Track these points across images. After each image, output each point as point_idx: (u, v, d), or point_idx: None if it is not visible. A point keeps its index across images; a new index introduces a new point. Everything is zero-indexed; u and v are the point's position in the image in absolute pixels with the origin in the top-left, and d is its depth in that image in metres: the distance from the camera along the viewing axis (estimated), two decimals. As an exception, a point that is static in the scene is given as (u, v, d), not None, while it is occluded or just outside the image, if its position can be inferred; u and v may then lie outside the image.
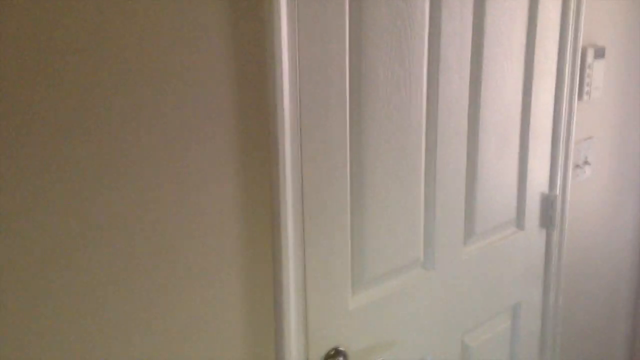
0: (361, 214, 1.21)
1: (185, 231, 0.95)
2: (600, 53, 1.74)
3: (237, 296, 1.04)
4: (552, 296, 1.75)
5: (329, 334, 1.20)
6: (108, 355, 0.90)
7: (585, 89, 1.71)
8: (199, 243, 0.97)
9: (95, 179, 0.84)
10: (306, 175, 1.09)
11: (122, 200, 0.88)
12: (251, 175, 1.02)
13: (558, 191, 1.68)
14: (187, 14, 0.89)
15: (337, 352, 1.21)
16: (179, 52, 0.89)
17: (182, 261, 0.96)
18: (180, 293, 0.96)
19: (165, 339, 0.96)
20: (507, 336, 1.67)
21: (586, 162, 1.80)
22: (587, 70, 1.70)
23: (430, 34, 1.26)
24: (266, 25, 0.98)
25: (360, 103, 1.16)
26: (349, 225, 1.19)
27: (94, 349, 0.88)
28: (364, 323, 1.26)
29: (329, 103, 1.10)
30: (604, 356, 2.18)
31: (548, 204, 1.68)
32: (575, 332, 1.99)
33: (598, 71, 1.74)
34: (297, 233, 1.09)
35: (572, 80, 1.63)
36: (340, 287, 1.20)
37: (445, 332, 1.46)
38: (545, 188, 1.67)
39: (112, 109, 0.84)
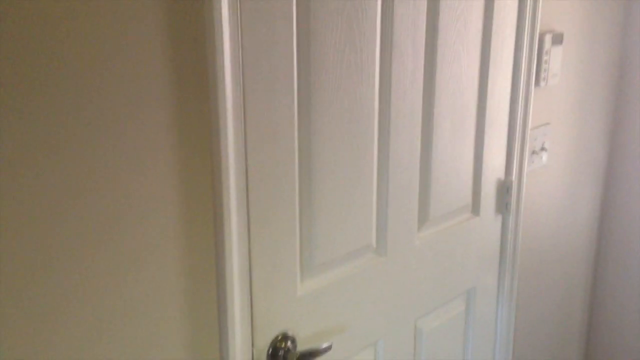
0: (310, 199, 1.20)
1: (123, 216, 0.93)
2: (558, 39, 1.74)
3: (179, 282, 1.02)
4: (507, 281, 1.77)
5: (277, 320, 1.19)
6: (46, 344, 0.87)
7: (543, 75, 1.71)
8: (138, 229, 0.95)
9: (29, 169, 0.81)
10: (251, 159, 1.07)
11: (57, 187, 0.85)
12: (193, 160, 0.99)
13: (514, 177, 1.69)
14: (121, -9, 0.86)
15: (284, 337, 1.20)
16: (110, 33, 0.86)
17: (119, 246, 0.93)
18: (119, 280, 0.94)
19: (104, 325, 0.94)
20: (461, 321, 1.68)
21: (543, 149, 1.81)
22: (545, 57, 1.70)
23: (382, 17, 1.24)
24: (205, 6, 0.95)
25: (309, 87, 1.14)
26: (298, 210, 1.18)
27: (29, 337, 0.86)
28: (313, 309, 1.25)
29: (275, 86, 1.08)
30: (559, 341, 2.21)
31: (504, 190, 1.69)
32: (531, 318, 2.01)
33: (556, 57, 1.74)
34: (242, 218, 1.07)
35: (529, 66, 1.63)
36: (288, 273, 1.19)
37: (397, 317, 1.46)
38: (501, 174, 1.67)
39: (42, 97, 0.81)
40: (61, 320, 0.89)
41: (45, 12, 0.80)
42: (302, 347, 1.24)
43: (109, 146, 0.89)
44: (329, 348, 1.23)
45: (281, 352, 1.19)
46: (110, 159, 0.90)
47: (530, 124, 1.69)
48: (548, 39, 1.70)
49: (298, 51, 1.11)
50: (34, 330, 0.87)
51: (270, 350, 1.19)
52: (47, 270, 0.86)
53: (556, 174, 1.94)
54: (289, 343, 1.20)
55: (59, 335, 0.89)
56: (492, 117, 1.58)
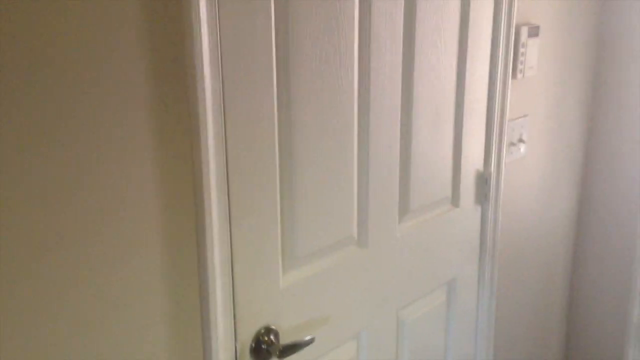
0: (291, 191, 1.20)
1: (105, 209, 0.92)
2: (534, 32, 1.76)
3: (161, 276, 1.01)
4: (487, 272, 1.79)
5: (259, 312, 1.19)
6: (26, 338, 0.87)
7: (519, 67, 1.73)
8: (119, 222, 0.94)
9: (9, 162, 0.81)
10: (231, 151, 1.07)
11: (38, 182, 0.84)
12: (173, 153, 0.99)
13: (492, 168, 1.71)
14: (97, -16, 0.85)
15: (268, 330, 1.20)
16: (87, 27, 0.85)
17: (100, 239, 0.93)
18: (100, 273, 0.94)
19: (84, 319, 0.93)
20: (443, 311, 1.70)
21: (521, 140, 1.83)
22: (521, 49, 1.72)
23: (360, 9, 1.25)
24: (183, 1, 0.95)
25: (288, 79, 1.14)
26: (279, 203, 1.18)
27: (11, 333, 0.85)
28: (296, 301, 1.25)
29: (255, 79, 1.08)
30: (540, 330, 2.25)
31: (483, 181, 1.71)
32: (511, 307, 2.04)
33: (532, 50, 1.76)
34: (223, 211, 1.07)
35: (506, 58, 1.65)
36: (270, 266, 1.19)
37: (380, 308, 1.47)
38: (480, 165, 1.69)
39: (24, 93, 0.80)
40: (44, 314, 0.88)
41: (26, 13, 0.79)
42: (285, 339, 1.24)
43: (89, 144, 0.88)
44: (311, 340, 1.24)
45: (264, 346, 1.19)
46: (91, 156, 0.89)
47: (508, 116, 1.71)
48: (524, 31, 1.72)
49: (277, 43, 1.11)
50: (14, 327, 0.86)
51: (253, 343, 1.19)
52: (29, 267, 0.86)
53: (534, 165, 1.96)
54: (272, 336, 1.21)
55: (41, 330, 0.88)
56: (470, 109, 1.59)
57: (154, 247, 1.00)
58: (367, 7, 1.25)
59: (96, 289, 0.94)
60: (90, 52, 0.86)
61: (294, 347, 1.21)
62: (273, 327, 1.21)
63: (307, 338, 1.23)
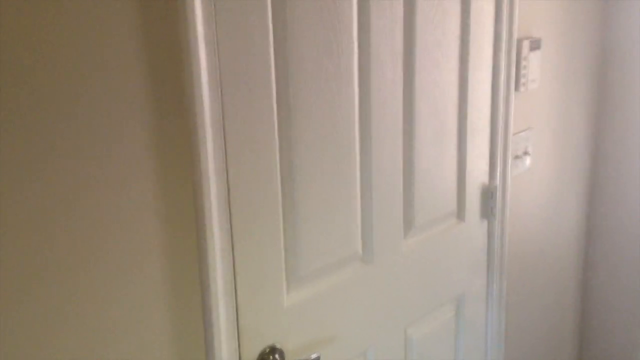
0: (294, 209, 1.20)
1: (105, 230, 0.93)
2: (536, 45, 1.76)
3: (164, 299, 1.01)
4: (495, 286, 1.77)
5: (264, 332, 1.18)
6: (26, 356, 0.87)
7: (522, 80, 1.73)
8: (119, 242, 0.95)
9: (10, 179, 0.81)
10: (232, 171, 1.08)
11: (38, 200, 0.85)
12: (173, 172, 1.00)
13: (498, 182, 1.70)
14: (96, 11, 0.86)
15: (272, 350, 1.20)
16: (88, 49, 0.86)
17: (102, 261, 0.93)
18: (102, 295, 0.94)
19: (88, 342, 0.93)
20: (451, 327, 1.68)
21: (526, 153, 1.82)
22: (523, 62, 1.72)
23: (359, 27, 1.26)
24: (180, 22, 0.96)
25: (289, 97, 1.15)
26: (281, 222, 1.18)
27: (12, 350, 0.85)
28: (301, 320, 1.25)
29: (254, 98, 1.08)
30: (552, 345, 2.22)
31: (488, 194, 1.70)
32: (522, 322, 2.02)
33: (534, 62, 1.76)
34: (224, 231, 1.07)
35: (509, 72, 1.65)
36: (274, 284, 1.19)
37: (387, 326, 1.46)
38: (485, 179, 1.68)
39: (25, 110, 0.81)
40: (40, 342, 0.88)
41: (25, 39, 0.80)
42: (290, 359, 1.23)
43: (90, 166, 0.89)
44: (317, 359, 1.23)
45: (269, 365, 1.19)
46: (92, 178, 0.90)
47: (512, 129, 1.70)
48: (526, 44, 1.72)
49: (276, 63, 1.11)
50: (18, 347, 0.86)
51: (259, 363, 1.19)
52: (29, 287, 0.86)
53: (541, 178, 1.95)
54: (276, 355, 1.20)
55: (39, 355, 0.89)
56: (473, 123, 1.59)
57: (156, 267, 1.00)
58: (366, 25, 1.26)
59: (97, 310, 0.94)
60: (87, 69, 0.87)
61: (299, 366, 1.20)
62: (278, 346, 1.21)
63: (313, 356, 1.23)
